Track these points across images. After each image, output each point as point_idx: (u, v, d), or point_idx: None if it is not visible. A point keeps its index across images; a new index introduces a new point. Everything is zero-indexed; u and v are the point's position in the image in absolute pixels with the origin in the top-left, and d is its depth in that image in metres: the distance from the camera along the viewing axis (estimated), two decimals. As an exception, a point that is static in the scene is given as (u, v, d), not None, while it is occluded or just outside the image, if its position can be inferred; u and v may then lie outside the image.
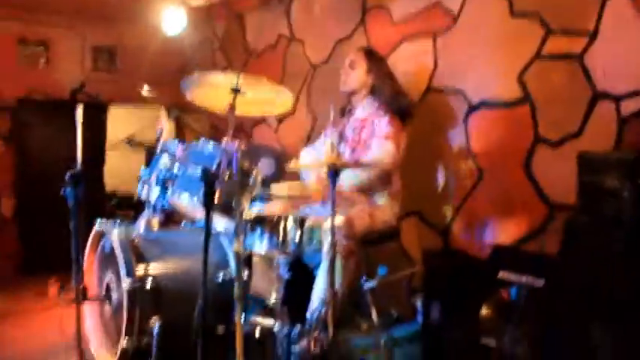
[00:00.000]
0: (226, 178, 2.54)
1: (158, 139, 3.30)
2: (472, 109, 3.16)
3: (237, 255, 2.41)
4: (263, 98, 2.68)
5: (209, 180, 2.31)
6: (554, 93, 2.81)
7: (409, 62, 3.47)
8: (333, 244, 2.48)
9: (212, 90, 2.60)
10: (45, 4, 4.79)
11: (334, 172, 2.51)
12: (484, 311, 2.59)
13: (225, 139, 2.56)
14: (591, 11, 2.67)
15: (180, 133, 5.43)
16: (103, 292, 2.78)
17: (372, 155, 2.99)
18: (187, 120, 3.36)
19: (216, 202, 2.44)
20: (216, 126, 4.97)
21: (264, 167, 3.95)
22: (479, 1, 3.15)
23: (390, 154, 2.94)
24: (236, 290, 2.43)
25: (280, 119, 4.48)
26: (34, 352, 2.95)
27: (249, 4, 4.76)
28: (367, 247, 3.20)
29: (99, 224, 2.82)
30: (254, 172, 2.79)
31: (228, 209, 2.70)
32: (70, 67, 5.43)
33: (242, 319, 2.55)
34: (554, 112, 2.81)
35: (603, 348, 2.14)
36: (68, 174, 2.62)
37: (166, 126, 5.24)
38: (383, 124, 3.00)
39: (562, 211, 2.73)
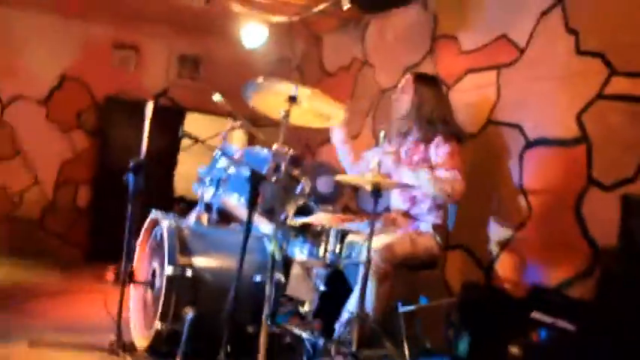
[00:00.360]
0: (273, 182, 2.67)
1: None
2: (529, 145, 3.20)
3: (271, 257, 2.56)
4: (317, 110, 2.83)
5: (255, 182, 2.49)
6: (613, 135, 2.81)
7: (472, 93, 3.57)
8: (368, 265, 2.61)
9: (270, 97, 2.77)
10: (139, 12, 5.24)
11: (377, 192, 2.66)
12: (512, 349, 2.61)
13: (276, 144, 2.70)
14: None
15: (252, 144, 5.76)
16: (149, 278, 3.01)
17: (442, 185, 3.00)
18: (254, 131, 3.55)
19: (259, 203, 2.64)
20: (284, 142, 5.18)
21: (323, 184, 4.13)
22: (546, 35, 3.19)
23: (459, 182, 2.98)
24: (267, 291, 2.60)
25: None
26: (78, 327, 3.20)
27: (328, 26, 5.00)
28: (407, 273, 3.29)
29: (153, 213, 3.07)
30: (303, 181, 2.95)
31: (274, 213, 2.85)
32: (156, 73, 5.91)
33: (270, 322, 2.70)
34: (610, 154, 2.81)
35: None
36: (131, 162, 2.92)
37: (239, 136, 5.57)
38: (442, 151, 3.07)
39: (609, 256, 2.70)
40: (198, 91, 5.74)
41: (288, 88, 2.68)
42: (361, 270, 2.72)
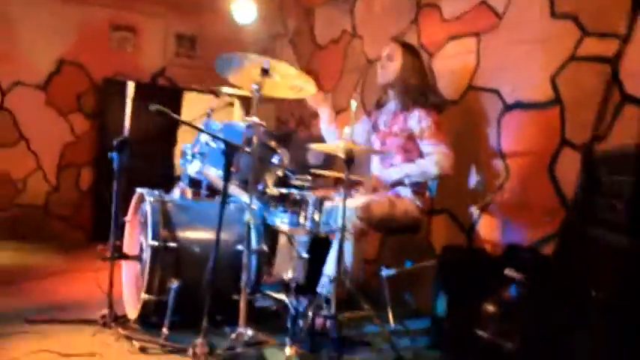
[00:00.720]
0: (248, 153, 2.82)
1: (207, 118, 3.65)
2: (507, 109, 3.33)
3: (246, 225, 2.72)
4: (290, 83, 2.97)
5: (229, 153, 2.64)
6: (585, 96, 2.91)
7: (454, 60, 3.70)
8: (342, 230, 2.79)
9: (245, 71, 2.91)
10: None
11: (350, 159, 2.82)
12: (485, 306, 2.73)
13: (249, 116, 2.86)
14: (625, 15, 2.76)
15: None
16: (138, 252, 3.19)
17: (430, 161, 3.18)
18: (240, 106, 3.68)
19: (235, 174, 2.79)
20: (278, 117, 5.33)
21: (313, 156, 4.28)
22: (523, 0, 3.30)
23: (450, 158, 3.15)
24: (244, 259, 2.76)
25: (338, 111, 4.75)
26: (75, 304, 3.38)
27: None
28: (394, 238, 3.44)
29: (139, 189, 3.23)
30: (279, 152, 3.10)
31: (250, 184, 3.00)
32: (154, 53, 6.09)
33: (250, 289, 2.87)
34: (582, 115, 2.91)
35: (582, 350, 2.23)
36: (115, 140, 3.08)
37: (238, 113, 5.73)
38: (425, 123, 3.21)
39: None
40: (196, 70, 5.91)
41: (259, 60, 2.82)
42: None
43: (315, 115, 5.04)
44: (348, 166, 2.82)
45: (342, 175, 2.89)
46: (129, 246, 3.37)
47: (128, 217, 3.36)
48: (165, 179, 5.24)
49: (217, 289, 2.71)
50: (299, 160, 4.13)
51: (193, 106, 5.72)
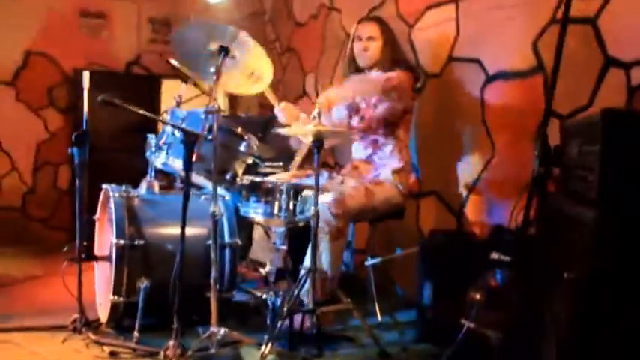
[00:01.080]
0: (210, 141, 2.83)
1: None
2: (489, 79, 3.33)
3: (212, 216, 2.76)
4: (248, 68, 2.99)
5: (188, 142, 2.66)
6: (567, 61, 2.85)
7: (433, 31, 3.70)
8: (316, 218, 2.83)
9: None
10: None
11: (318, 142, 2.84)
12: (473, 295, 2.70)
13: (208, 102, 2.84)
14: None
15: (234, 104, 5.92)
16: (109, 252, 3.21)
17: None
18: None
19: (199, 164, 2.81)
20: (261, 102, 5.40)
21: (295, 141, 4.31)
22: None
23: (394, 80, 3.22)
24: (212, 254, 2.80)
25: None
26: (47, 308, 3.47)
27: (294, -27, 5.13)
28: (381, 225, 3.47)
29: (105, 186, 3.28)
30: (247, 138, 3.12)
31: (221, 174, 3.07)
32: (128, 40, 6.10)
33: (222, 285, 2.91)
34: (566, 82, 2.86)
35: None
36: (74, 134, 3.11)
37: (221, 100, 5.75)
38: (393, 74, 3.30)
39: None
40: (173, 56, 5.91)
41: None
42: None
43: (300, 97, 5.09)
44: (317, 150, 2.83)
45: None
46: (100, 246, 3.43)
47: (97, 216, 3.42)
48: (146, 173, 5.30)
49: (191, 287, 2.77)
50: (281, 146, 4.17)
51: (173, 93, 5.74)
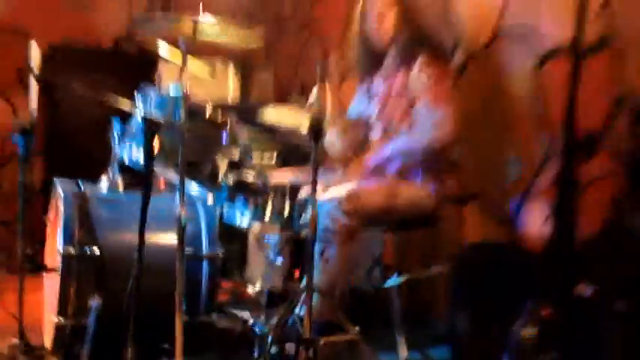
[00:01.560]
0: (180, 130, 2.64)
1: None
2: (546, 57, 3.13)
3: (178, 222, 2.55)
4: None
5: (149, 131, 2.47)
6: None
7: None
8: (313, 223, 2.63)
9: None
10: None
11: (317, 132, 2.64)
12: (518, 327, 2.47)
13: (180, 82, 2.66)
14: None
15: (246, 89, 5.75)
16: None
17: (421, 130, 3.07)
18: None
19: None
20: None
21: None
22: None
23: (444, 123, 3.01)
24: (177, 271, 2.58)
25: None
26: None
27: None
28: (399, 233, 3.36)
29: (55, 179, 3.11)
30: (228, 128, 2.97)
31: (197, 170, 2.93)
32: (116, 10, 5.83)
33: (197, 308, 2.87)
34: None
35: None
36: (18, 123, 3.02)
37: (232, 82, 5.60)
38: (423, 78, 3.09)
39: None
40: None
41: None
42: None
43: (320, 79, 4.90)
44: (315, 141, 2.60)
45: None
46: (52, 254, 3.20)
47: (49, 215, 3.30)
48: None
49: (159, 307, 2.62)
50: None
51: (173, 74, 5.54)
